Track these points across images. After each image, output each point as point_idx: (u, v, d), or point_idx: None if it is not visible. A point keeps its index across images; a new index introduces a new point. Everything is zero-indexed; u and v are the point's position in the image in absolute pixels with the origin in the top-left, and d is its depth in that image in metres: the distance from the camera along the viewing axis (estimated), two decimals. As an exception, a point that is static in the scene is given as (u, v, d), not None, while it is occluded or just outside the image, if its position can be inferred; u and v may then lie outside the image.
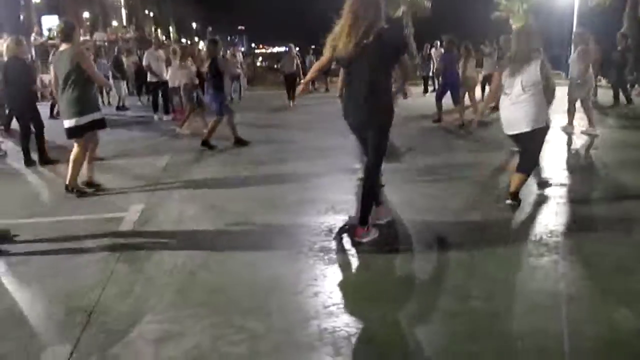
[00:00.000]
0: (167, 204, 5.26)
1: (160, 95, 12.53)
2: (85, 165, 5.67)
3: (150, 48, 13.15)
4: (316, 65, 4.48)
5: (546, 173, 5.88)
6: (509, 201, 4.87)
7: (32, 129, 7.37)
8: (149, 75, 12.50)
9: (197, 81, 10.45)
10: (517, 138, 4.89)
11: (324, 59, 4.17)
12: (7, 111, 9.26)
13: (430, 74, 17.55)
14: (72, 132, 5.49)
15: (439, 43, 16.83)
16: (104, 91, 14.26)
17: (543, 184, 5.51)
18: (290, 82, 15.06)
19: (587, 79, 8.52)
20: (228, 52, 18.76)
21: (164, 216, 4.88)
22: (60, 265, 3.81)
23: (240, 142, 8.42)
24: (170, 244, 4.18)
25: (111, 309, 3.13)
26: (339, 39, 3.91)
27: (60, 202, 5.43)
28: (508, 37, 12.20)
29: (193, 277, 3.57)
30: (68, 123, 5.44)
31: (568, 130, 8.66)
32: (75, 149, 5.56)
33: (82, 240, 4.27)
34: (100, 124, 5.66)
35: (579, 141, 8.13)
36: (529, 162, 4.91)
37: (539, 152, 4.95)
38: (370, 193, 4.18)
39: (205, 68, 8.47)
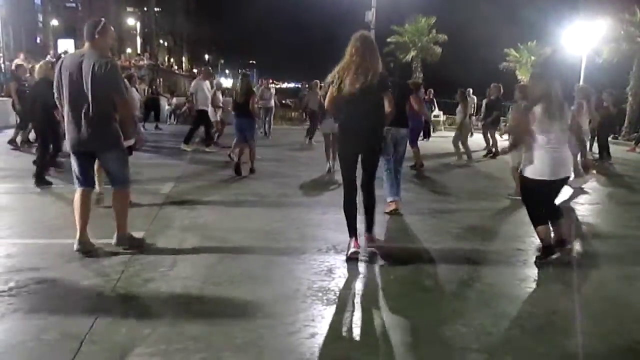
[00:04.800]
0: (167, 232, 5.23)
1: (199, 125, 12.60)
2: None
3: (198, 77, 13.23)
4: (327, 103, 4.74)
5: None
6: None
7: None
8: (196, 104, 12.45)
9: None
10: (556, 183, 4.67)
11: (332, 95, 4.60)
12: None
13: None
14: None
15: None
16: None
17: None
18: (314, 119, 14.92)
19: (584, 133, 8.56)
20: (262, 85, 18.21)
21: (164, 244, 4.84)
22: (55, 289, 3.76)
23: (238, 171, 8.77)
24: (168, 273, 4.12)
25: (103, 337, 3.06)
26: (346, 78, 4.47)
27: (58, 225, 5.39)
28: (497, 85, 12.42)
29: (188, 308, 3.51)
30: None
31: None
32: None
33: (77, 265, 4.22)
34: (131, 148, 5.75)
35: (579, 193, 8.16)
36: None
37: None
38: (374, 203, 4.86)
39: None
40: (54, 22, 47.19)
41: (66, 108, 4.37)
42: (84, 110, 4.29)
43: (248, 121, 9.06)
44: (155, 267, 4.23)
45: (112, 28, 4.57)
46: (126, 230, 4.66)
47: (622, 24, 20.76)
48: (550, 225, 4.71)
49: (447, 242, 5.34)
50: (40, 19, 47.15)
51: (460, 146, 11.41)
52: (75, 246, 4.42)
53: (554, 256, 4.67)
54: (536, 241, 5.29)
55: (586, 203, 7.62)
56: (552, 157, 4.57)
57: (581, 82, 20.23)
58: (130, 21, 55.23)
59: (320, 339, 3.17)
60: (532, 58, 30.05)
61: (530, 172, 4.64)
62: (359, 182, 4.77)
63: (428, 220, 6.20)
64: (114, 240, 4.62)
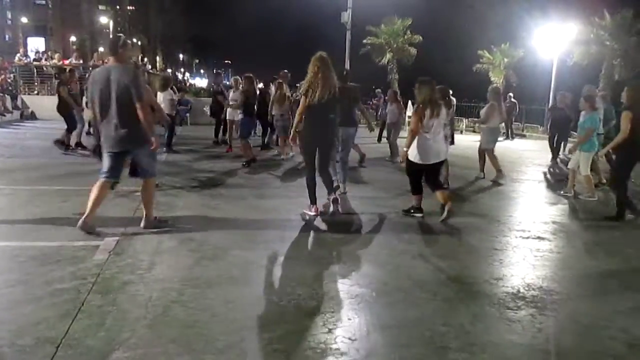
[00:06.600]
0: (144, 234, 5.15)
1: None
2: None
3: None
4: (300, 110, 6.00)
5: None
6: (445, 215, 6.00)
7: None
8: (227, 113, 12.31)
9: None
10: (434, 166, 6.14)
11: (302, 106, 5.89)
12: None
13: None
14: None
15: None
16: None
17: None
18: None
19: (494, 130, 9.38)
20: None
21: (141, 246, 4.77)
22: (29, 293, 3.66)
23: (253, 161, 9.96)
24: (146, 275, 4.07)
25: (80, 342, 3.01)
26: (314, 90, 5.74)
27: (30, 227, 5.27)
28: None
29: (167, 311, 3.47)
30: None
31: (480, 177, 9.39)
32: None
33: (52, 268, 4.13)
34: None
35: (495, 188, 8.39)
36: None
37: None
38: (330, 179, 6.32)
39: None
40: (24, 20, 46.18)
41: (99, 115, 4.99)
42: (114, 116, 4.92)
43: (245, 119, 10.07)
44: (132, 270, 4.17)
45: (129, 42, 5.28)
46: (152, 215, 5.34)
47: (592, 27, 21.26)
48: (434, 192, 6.25)
49: (423, 242, 5.38)
50: (9, 16, 46.11)
51: (396, 143, 11.40)
52: (80, 223, 4.94)
53: (418, 215, 6.25)
54: (511, 237, 5.39)
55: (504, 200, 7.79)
56: (429, 147, 6.01)
57: (552, 84, 20.72)
58: (103, 19, 54.26)
59: (301, 343, 3.16)
60: (505, 60, 30.51)
61: (412, 156, 6.13)
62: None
63: (408, 219, 6.25)
64: (142, 224, 5.26)
